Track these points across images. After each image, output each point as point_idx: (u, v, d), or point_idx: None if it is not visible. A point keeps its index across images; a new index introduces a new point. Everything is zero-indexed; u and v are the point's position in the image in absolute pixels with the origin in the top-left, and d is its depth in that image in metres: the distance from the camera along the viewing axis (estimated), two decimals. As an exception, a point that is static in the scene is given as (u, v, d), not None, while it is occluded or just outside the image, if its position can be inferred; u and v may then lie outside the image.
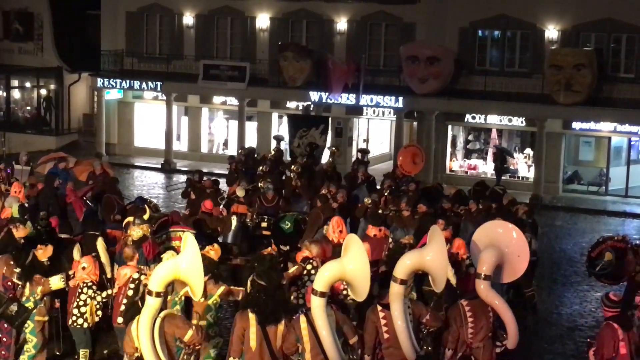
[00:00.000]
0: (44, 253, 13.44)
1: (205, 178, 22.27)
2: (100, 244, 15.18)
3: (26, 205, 18.24)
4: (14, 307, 12.41)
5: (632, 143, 32.75)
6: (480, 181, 24.39)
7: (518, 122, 33.03)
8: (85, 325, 12.82)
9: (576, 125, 31.93)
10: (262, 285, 10.86)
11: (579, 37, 31.80)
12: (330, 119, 30.29)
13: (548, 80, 30.71)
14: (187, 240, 10.77)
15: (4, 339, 12.92)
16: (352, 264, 10.87)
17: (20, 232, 14.89)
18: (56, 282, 12.73)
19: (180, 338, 10.66)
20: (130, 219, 15.69)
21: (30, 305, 12.62)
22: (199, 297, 10.97)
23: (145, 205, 17.11)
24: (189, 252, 10.60)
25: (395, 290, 11.36)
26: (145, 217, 15.88)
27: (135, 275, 12.90)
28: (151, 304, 10.43)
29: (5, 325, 12.86)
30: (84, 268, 12.93)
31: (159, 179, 34.46)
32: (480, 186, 22.27)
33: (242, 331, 10.85)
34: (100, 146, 37.52)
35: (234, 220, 18.37)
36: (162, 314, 10.57)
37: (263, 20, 36.27)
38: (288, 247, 17.15)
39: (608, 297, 12.06)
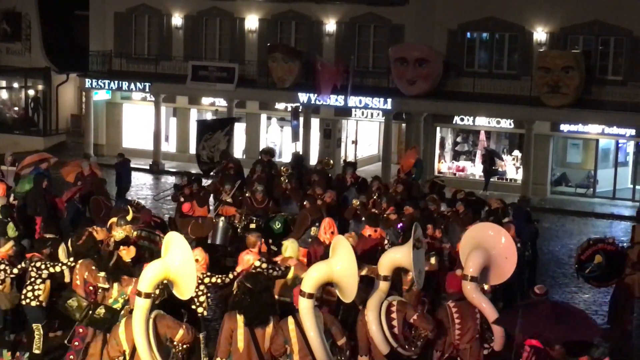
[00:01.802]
0: (127, 254, 13.44)
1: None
2: None
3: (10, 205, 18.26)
4: (101, 310, 12.37)
5: (619, 145, 32.88)
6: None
7: (506, 124, 33.10)
8: (205, 313, 13.15)
9: (564, 127, 32.04)
10: (248, 287, 10.84)
11: (567, 40, 31.91)
12: (236, 119, 30.24)
13: (536, 82, 30.78)
14: (175, 239, 10.71)
15: (76, 343, 12.97)
16: (340, 265, 10.88)
17: (100, 235, 14.89)
18: None
19: (171, 338, 10.65)
20: (114, 219, 15.69)
21: (118, 306, 12.60)
22: (188, 296, 10.94)
23: (128, 206, 17.08)
24: (180, 252, 10.56)
25: (380, 287, 11.48)
26: (128, 218, 15.88)
27: (257, 263, 13.13)
28: (141, 305, 10.41)
29: (81, 330, 12.87)
30: (197, 260, 12.99)
31: (148, 180, 34.40)
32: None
33: (229, 332, 10.85)
34: (89, 147, 37.41)
35: (222, 222, 18.31)
36: (152, 314, 10.56)
37: (252, 22, 36.26)
38: (276, 249, 17.11)
39: (534, 290, 12.25)
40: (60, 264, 13.66)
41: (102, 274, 12.76)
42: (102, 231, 15.01)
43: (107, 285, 12.69)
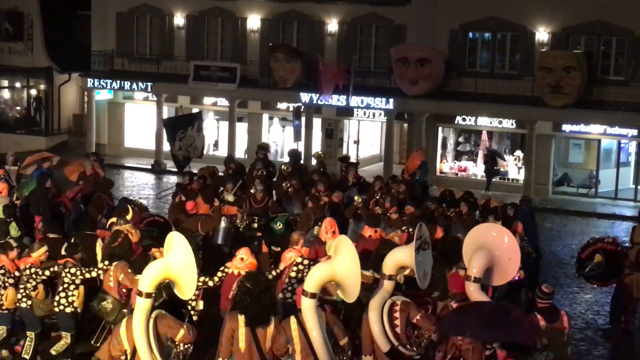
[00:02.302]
0: (161, 254, 13.50)
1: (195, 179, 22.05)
2: (99, 244, 15.23)
3: (13, 204, 18.25)
4: None
5: (621, 145, 32.86)
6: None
7: (508, 124, 33.10)
8: None
9: (566, 127, 32.04)
10: (247, 287, 10.85)
11: (569, 40, 31.90)
12: (201, 113, 30.00)
13: (538, 82, 30.78)
14: (175, 239, 10.72)
15: None
16: (342, 265, 10.88)
17: (135, 237, 14.90)
18: None
19: (172, 338, 10.66)
20: (114, 219, 15.73)
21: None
22: (190, 296, 10.95)
23: (128, 205, 17.08)
24: (180, 251, 10.57)
25: (384, 287, 11.52)
26: (128, 217, 15.90)
27: (299, 260, 13.55)
28: (142, 305, 10.40)
29: None
30: (242, 259, 13.27)
31: (149, 179, 34.42)
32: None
33: (231, 332, 10.83)
34: (90, 147, 37.32)
35: (224, 222, 18.32)
36: (153, 314, 10.57)
37: (254, 21, 36.27)
38: (279, 248, 17.10)
39: (541, 289, 12.22)
40: (96, 269, 13.62)
41: (139, 276, 12.78)
42: (136, 233, 15.01)
43: None
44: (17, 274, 13.82)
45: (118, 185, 31.87)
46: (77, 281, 13.55)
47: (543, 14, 31.93)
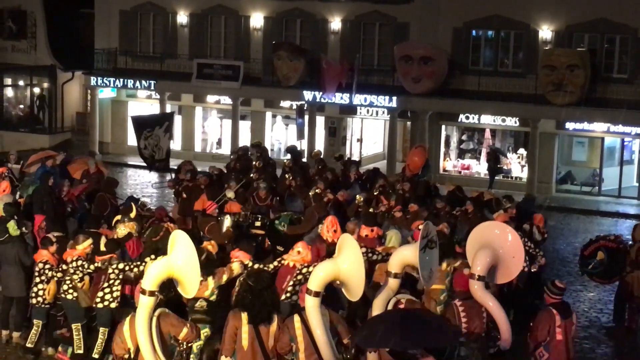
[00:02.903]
0: (213, 248, 13.67)
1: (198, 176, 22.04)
2: (103, 242, 15.23)
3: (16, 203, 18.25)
4: (203, 303, 12.45)
5: (625, 143, 32.84)
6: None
7: (511, 122, 33.09)
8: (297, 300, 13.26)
9: (569, 125, 32.01)
10: (249, 284, 10.86)
11: (572, 38, 31.87)
12: (173, 113, 29.68)
13: (541, 80, 30.75)
14: (179, 237, 10.74)
15: None
16: (346, 264, 10.89)
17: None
18: (237, 267, 13.01)
19: (175, 336, 10.66)
20: (118, 217, 15.74)
21: (213, 298, 12.66)
22: (192, 294, 10.95)
23: (132, 204, 17.10)
24: (183, 249, 10.58)
25: (389, 285, 11.56)
26: (132, 215, 15.90)
27: None
28: (145, 303, 10.42)
29: None
30: (299, 252, 13.37)
31: (152, 177, 34.36)
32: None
33: (234, 330, 10.84)
34: (94, 145, 37.43)
35: (227, 220, 18.30)
36: (156, 312, 10.57)
37: (257, 20, 36.27)
38: (283, 249, 17.10)
39: (554, 283, 12.04)
40: (144, 263, 13.50)
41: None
42: (176, 227, 14.94)
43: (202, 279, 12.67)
44: (64, 267, 13.88)
45: (121, 183, 31.74)
46: (122, 276, 13.51)
47: (546, 12, 31.90)
